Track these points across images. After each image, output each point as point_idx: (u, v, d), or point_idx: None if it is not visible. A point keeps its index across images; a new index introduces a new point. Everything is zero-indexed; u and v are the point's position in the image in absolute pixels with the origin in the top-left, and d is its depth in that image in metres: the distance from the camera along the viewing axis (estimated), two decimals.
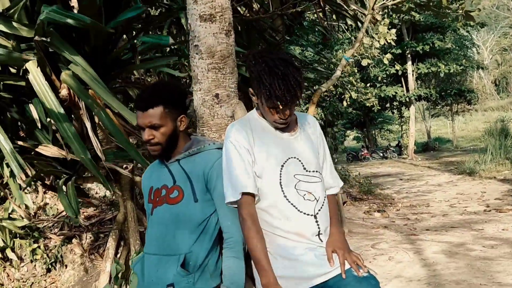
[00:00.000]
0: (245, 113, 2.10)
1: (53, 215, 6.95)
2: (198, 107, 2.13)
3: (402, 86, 20.63)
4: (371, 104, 18.50)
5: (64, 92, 4.20)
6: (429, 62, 20.07)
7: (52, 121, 4.24)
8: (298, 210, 1.79)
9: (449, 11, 8.39)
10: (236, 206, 1.80)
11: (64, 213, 6.87)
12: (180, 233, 1.84)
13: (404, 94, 19.99)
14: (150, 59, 4.51)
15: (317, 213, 1.82)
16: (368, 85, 18.97)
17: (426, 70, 19.59)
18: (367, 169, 17.28)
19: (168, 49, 4.69)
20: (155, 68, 4.43)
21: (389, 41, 11.64)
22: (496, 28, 51.11)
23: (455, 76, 22.48)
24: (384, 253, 5.42)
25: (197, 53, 2.11)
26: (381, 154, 22.72)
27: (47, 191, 7.24)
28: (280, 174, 1.80)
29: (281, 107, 1.73)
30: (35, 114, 4.02)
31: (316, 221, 1.81)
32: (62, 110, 3.62)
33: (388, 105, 21.91)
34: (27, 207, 6.47)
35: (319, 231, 1.81)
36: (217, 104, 2.11)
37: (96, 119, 4.55)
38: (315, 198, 1.83)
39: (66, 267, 6.22)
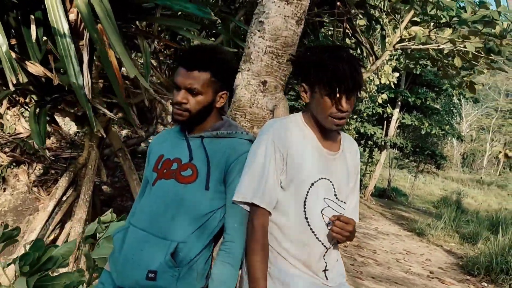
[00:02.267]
0: (287, 112, 1.90)
1: (9, 133, 6.59)
2: (239, 88, 1.90)
3: (382, 129, 20.80)
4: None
5: (72, 16, 3.93)
6: (414, 116, 20.30)
7: (48, 41, 3.97)
8: (317, 238, 1.59)
9: (456, 75, 8.43)
10: (247, 209, 1.59)
11: (21, 135, 6.52)
12: (180, 218, 1.61)
13: (381, 137, 20.16)
14: (171, 16, 4.26)
15: (330, 248, 1.62)
16: (355, 116, 19.03)
17: (409, 122, 19.80)
18: None
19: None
20: (173, 28, 4.19)
21: (389, 82, 11.72)
22: (482, 106, 52.53)
23: (432, 137, 22.82)
24: None
25: (259, 30, 1.87)
26: None
27: (11, 107, 6.87)
28: (308, 192, 1.59)
29: (343, 94, 1.54)
30: (33, 27, 3.76)
31: (324, 256, 1.61)
32: (67, 27, 3.39)
33: (362, 142, 22.07)
34: None
35: (325, 266, 1.61)
36: (261, 92, 1.87)
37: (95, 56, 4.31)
38: None
39: (4, 190, 5.89)
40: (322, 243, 1.60)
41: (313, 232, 1.58)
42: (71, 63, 3.45)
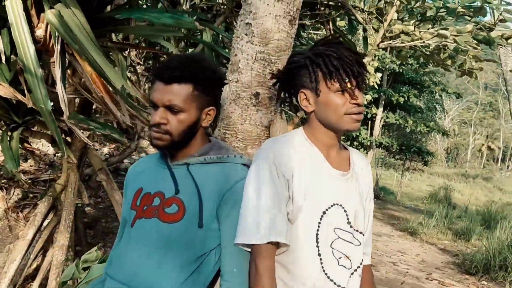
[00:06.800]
0: (285, 127, 1.61)
1: None
2: (227, 102, 1.62)
3: (366, 129, 20.73)
4: None
5: (39, 32, 3.70)
6: (398, 114, 20.26)
7: (17, 60, 3.75)
8: (328, 277, 1.32)
9: (452, 65, 8.29)
10: (247, 249, 1.32)
11: None
12: (167, 265, 1.32)
13: (367, 138, 20.07)
14: (147, 24, 4.06)
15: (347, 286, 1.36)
16: None
17: (394, 120, 19.73)
18: None
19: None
20: (151, 37, 3.97)
21: (372, 83, 11.59)
22: (462, 100, 53.10)
23: (417, 135, 22.79)
24: None
25: (246, 34, 1.58)
26: None
27: None
28: (319, 223, 1.32)
29: (354, 83, 1.31)
30: (0, 47, 3.55)
31: None
32: (33, 49, 3.16)
33: (348, 143, 21.96)
34: None
35: None
36: (253, 106, 1.58)
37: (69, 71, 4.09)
38: (351, 266, 1.36)
39: None
40: (335, 283, 1.34)
41: (323, 271, 1.32)
42: (37, 86, 3.21)
